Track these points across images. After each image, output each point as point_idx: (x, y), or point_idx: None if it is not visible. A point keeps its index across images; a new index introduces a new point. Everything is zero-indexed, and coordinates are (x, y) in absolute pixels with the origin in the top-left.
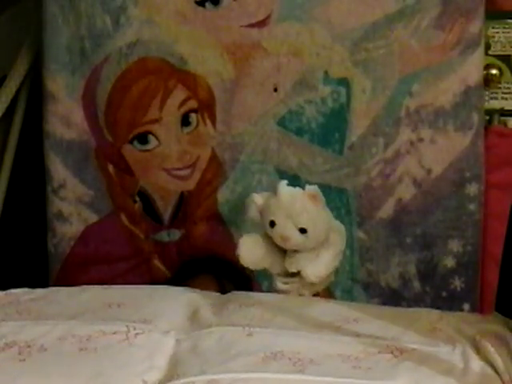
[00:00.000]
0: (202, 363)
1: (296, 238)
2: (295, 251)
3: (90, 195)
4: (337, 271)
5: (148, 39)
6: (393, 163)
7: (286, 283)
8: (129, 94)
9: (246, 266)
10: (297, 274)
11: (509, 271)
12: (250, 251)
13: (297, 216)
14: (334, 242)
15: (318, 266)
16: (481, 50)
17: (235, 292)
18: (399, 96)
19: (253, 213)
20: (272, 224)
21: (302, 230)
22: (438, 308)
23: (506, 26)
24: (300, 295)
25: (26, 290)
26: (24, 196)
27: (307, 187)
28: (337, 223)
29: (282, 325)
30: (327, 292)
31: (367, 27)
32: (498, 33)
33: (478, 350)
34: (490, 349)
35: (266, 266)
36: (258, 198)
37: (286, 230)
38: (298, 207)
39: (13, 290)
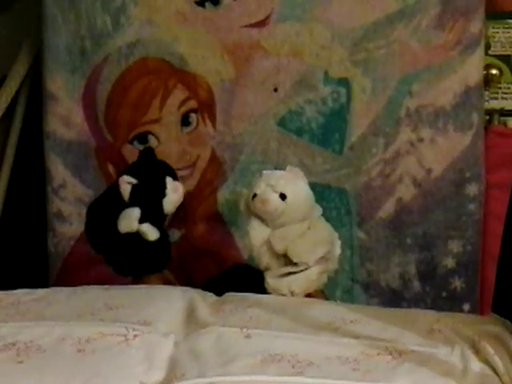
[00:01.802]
0: (201, 365)
1: (275, 201)
2: (280, 227)
3: (89, 195)
4: (327, 274)
5: (148, 39)
6: (393, 163)
7: (278, 276)
8: (129, 93)
9: (253, 246)
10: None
11: (506, 272)
12: (258, 232)
13: (276, 182)
14: (320, 229)
15: (304, 244)
16: (481, 49)
17: (232, 293)
18: (399, 96)
19: (242, 206)
20: (254, 196)
21: (282, 197)
22: (438, 308)
23: (506, 26)
24: (291, 293)
25: (26, 290)
26: (24, 196)
27: (288, 166)
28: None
29: (280, 326)
30: (322, 296)
31: (367, 27)
32: (498, 33)
33: (477, 352)
34: (490, 350)
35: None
36: (245, 191)
37: (266, 194)
38: (277, 174)
39: (14, 291)
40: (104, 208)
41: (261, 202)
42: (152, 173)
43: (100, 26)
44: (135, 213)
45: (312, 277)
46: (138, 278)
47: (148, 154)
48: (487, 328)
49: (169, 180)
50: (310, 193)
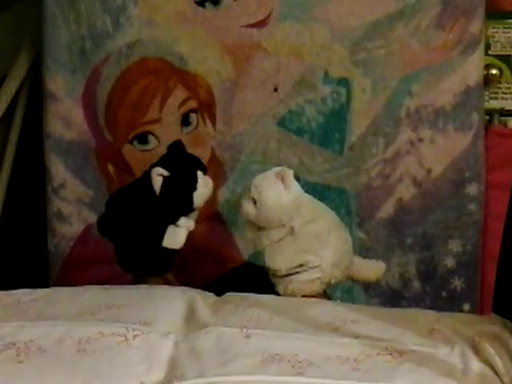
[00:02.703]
0: (201, 365)
1: (246, 207)
2: (262, 230)
3: (89, 195)
4: (324, 281)
5: (148, 39)
6: (393, 163)
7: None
8: (129, 94)
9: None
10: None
11: (506, 272)
12: (250, 232)
13: (253, 186)
14: (305, 237)
15: (278, 251)
16: (481, 49)
17: (232, 293)
18: (399, 96)
19: None
20: None
21: (255, 202)
22: (438, 308)
23: (506, 26)
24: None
25: (26, 290)
26: (24, 196)
27: (276, 168)
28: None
29: (280, 326)
30: (324, 296)
31: (367, 27)
32: (497, 33)
33: (477, 352)
34: (490, 350)
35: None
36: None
37: (242, 198)
38: (258, 179)
39: (14, 291)
40: (131, 198)
41: (238, 206)
42: (183, 166)
43: (100, 26)
44: (183, 234)
45: (297, 284)
46: (139, 278)
47: (177, 147)
48: (487, 328)
49: (200, 174)
50: (290, 198)
